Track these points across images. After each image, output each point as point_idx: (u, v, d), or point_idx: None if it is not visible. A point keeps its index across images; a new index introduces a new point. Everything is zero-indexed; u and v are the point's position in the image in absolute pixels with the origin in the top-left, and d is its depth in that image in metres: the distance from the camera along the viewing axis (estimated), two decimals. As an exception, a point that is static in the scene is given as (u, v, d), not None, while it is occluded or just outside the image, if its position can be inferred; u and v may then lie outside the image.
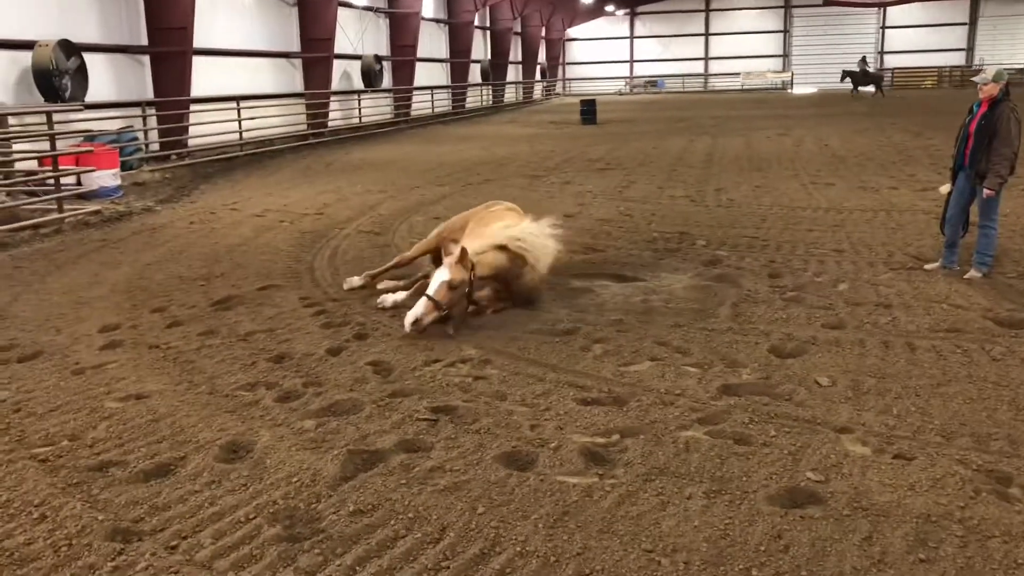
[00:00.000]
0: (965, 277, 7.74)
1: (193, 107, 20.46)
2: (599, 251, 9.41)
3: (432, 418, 4.91)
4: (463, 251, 6.42)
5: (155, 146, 19.46)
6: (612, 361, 5.83)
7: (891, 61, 57.76)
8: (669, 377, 5.50)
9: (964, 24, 56.75)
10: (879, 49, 58.16)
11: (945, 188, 8.08)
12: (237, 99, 21.70)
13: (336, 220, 11.90)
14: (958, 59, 56.71)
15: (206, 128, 20.81)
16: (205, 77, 21.26)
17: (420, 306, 6.29)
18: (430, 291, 6.33)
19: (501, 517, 3.80)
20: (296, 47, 26.15)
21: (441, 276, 6.37)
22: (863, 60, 45.69)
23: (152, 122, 19.53)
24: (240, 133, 21.71)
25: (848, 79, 44.28)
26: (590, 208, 12.31)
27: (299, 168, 18.91)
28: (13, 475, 4.32)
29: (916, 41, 57.10)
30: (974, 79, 7.72)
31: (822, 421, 4.76)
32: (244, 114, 21.83)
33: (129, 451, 4.57)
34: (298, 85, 26.45)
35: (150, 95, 19.76)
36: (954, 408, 4.88)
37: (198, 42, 20.30)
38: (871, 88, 43.66)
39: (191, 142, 20.34)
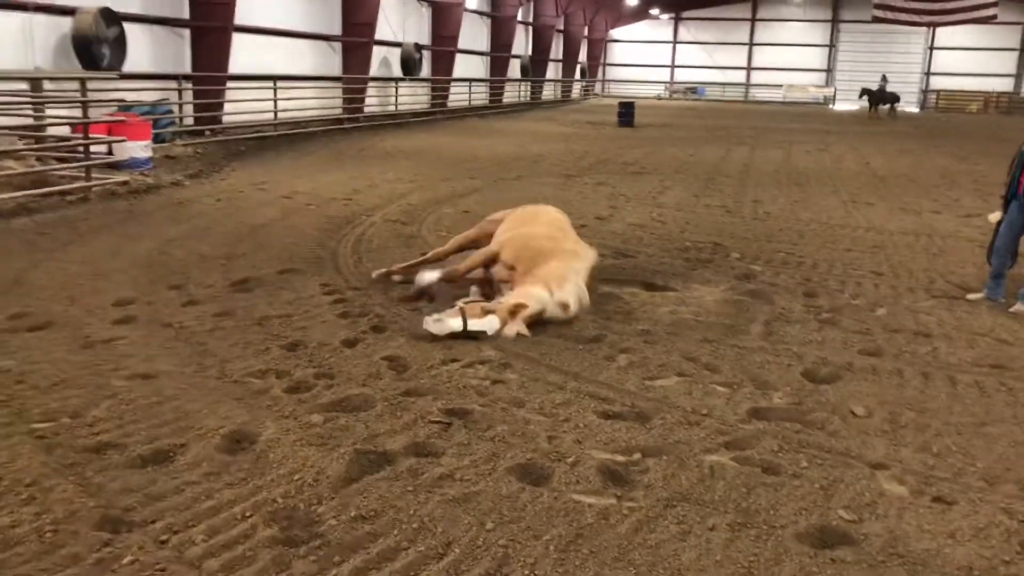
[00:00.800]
0: (1011, 311, 7.40)
1: (230, 84, 20.39)
2: (630, 256, 9.14)
3: (445, 421, 4.69)
4: (524, 320, 6.17)
5: (189, 120, 19.42)
6: (637, 373, 5.58)
7: (937, 83, 56.83)
8: (696, 395, 5.24)
9: (1015, 50, 55.68)
10: (925, 70, 57.28)
11: (995, 216, 7.74)
12: (275, 79, 21.61)
13: (364, 207, 11.73)
14: (1006, 85, 55.68)
15: (242, 106, 20.75)
16: (244, 54, 21.21)
17: (452, 326, 6.00)
18: (474, 325, 6.02)
19: (511, 535, 3.57)
20: (337, 30, 26.05)
21: (493, 324, 6.06)
22: (883, 78, 44.77)
23: (188, 96, 19.50)
24: (275, 113, 21.64)
25: (866, 96, 43.30)
26: (622, 212, 12.04)
27: (331, 152, 18.78)
28: (7, 451, 4.15)
29: (964, 64, 56.07)
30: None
31: (856, 454, 4.48)
32: (280, 94, 21.74)
33: (129, 434, 4.38)
34: (337, 68, 26.35)
35: (188, 69, 19.74)
36: (998, 451, 4.59)
37: (239, 19, 20.25)
38: (887, 107, 42.55)
39: (226, 119, 20.26)
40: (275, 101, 21.50)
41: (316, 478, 4.00)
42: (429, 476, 4.05)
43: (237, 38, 20.34)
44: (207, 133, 19.09)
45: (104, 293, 7.01)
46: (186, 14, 19.47)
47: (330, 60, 26.18)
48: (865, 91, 43.59)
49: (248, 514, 3.65)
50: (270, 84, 21.45)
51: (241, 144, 18.96)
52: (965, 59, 55.99)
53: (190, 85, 19.58)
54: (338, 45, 26.24)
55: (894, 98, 42.58)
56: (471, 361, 5.68)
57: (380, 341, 6.06)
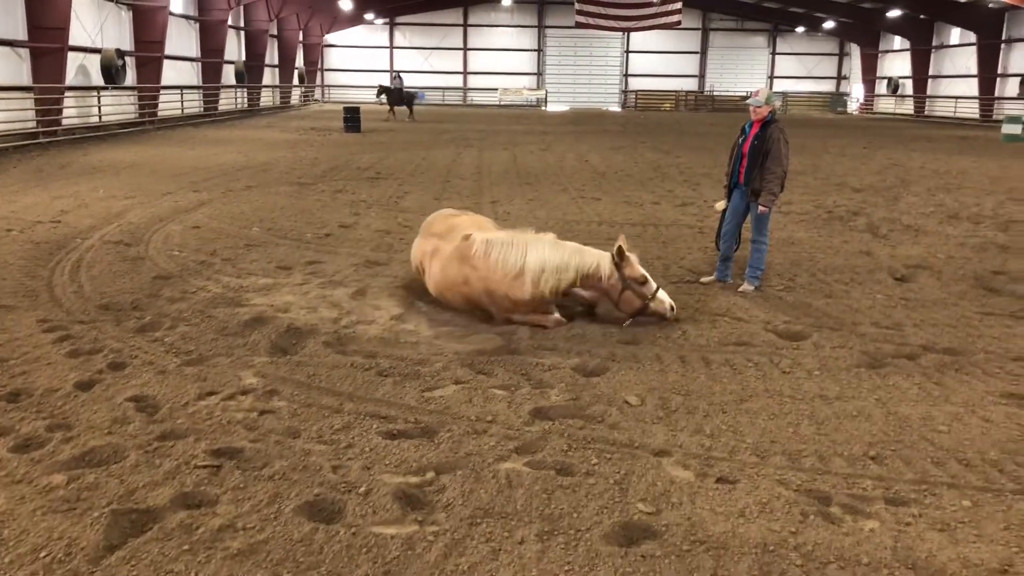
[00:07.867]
0: (739, 290, 8.03)
1: None
2: (382, 264, 8.89)
3: (214, 464, 4.20)
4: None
5: None
6: (414, 386, 5.37)
7: (635, 84, 61.59)
8: (477, 402, 5.13)
9: (697, 53, 61.70)
10: (624, 72, 61.82)
11: (720, 204, 8.35)
12: (-52, 89, 18.96)
13: (77, 229, 10.51)
14: (692, 84, 61.63)
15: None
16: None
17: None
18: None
19: (312, 584, 3.24)
20: (22, 35, 23.31)
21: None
22: (398, 77, 41.74)
23: None
24: (-48, 128, 19.01)
25: (383, 96, 39.12)
26: (366, 218, 11.74)
27: (28, 170, 16.78)
28: None
29: (656, 66, 61.33)
30: (747, 101, 8.03)
31: (640, 444, 4.58)
32: (-43, 107, 19.13)
33: None
34: (25, 78, 23.59)
35: None
36: (761, 425, 4.89)
37: (-103, 21, 17.51)
38: (405, 108, 38.95)
39: None
40: (-49, 115, 18.89)
41: (68, 551, 3.41)
42: (206, 530, 3.59)
43: None
44: None
45: None
46: None
47: (16, 68, 23.36)
48: (383, 89, 39.39)
49: (-15, 610, 3.03)
50: (-57, 95, 18.81)
51: (-88, 165, 16.43)
52: (657, 61, 61.27)
53: None
54: (25, 51, 23.47)
55: (412, 98, 39.46)
56: (231, 392, 5.19)
57: (121, 380, 5.37)
